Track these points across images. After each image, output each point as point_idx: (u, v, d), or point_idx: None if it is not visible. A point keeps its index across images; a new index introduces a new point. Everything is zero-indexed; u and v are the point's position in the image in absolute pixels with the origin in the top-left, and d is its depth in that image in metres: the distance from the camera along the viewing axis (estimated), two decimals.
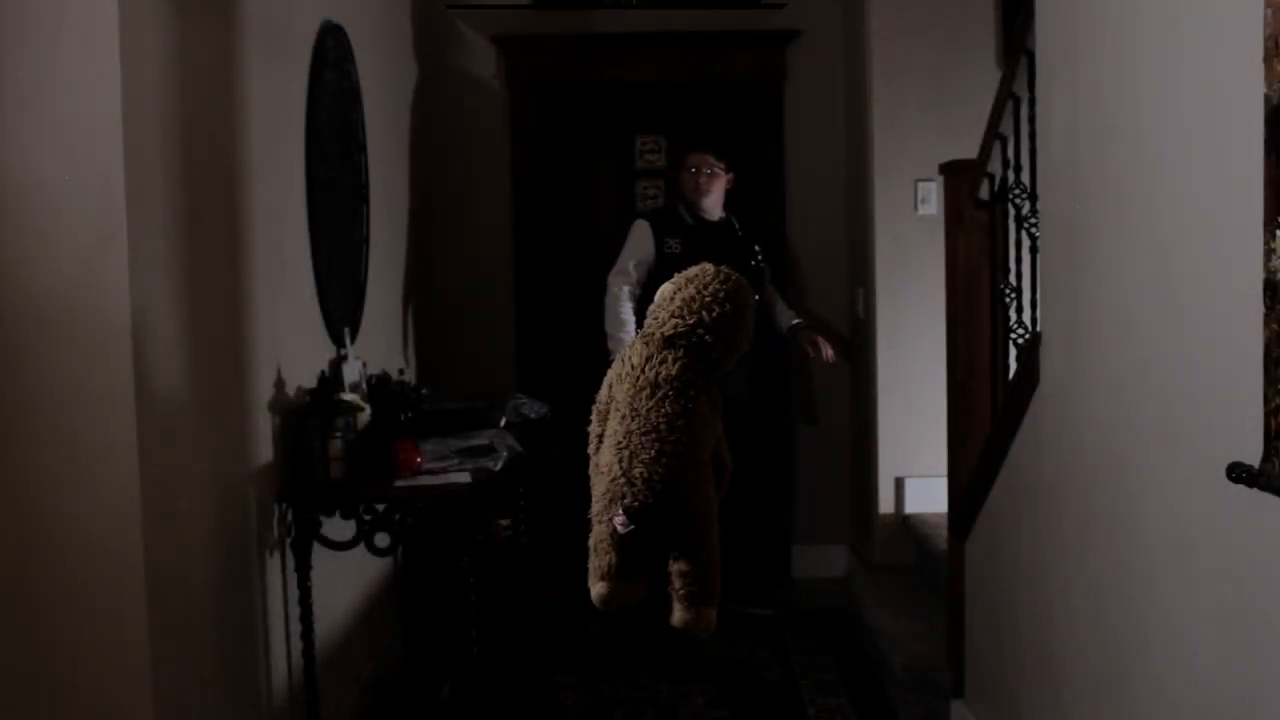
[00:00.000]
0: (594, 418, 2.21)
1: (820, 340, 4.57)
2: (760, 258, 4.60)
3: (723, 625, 4.38)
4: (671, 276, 2.22)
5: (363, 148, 3.79)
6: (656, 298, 2.20)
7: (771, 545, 4.97)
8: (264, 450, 2.88)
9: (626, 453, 2.04)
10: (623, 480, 2.03)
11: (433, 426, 3.50)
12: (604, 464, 2.08)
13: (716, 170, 4.51)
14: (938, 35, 4.48)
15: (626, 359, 2.13)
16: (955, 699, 3.38)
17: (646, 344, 2.12)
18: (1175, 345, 1.92)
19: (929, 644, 3.67)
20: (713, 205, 4.55)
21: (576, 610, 4.58)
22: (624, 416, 2.06)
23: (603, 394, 2.19)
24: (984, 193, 3.28)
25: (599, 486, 2.10)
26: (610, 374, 2.19)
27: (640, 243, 4.50)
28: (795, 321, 4.64)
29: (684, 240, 4.46)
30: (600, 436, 2.17)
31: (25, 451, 2.16)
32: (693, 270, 2.18)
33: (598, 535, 2.11)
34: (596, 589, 2.14)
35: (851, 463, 5.12)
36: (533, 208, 5.10)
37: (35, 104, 2.13)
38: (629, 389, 2.07)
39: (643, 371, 2.07)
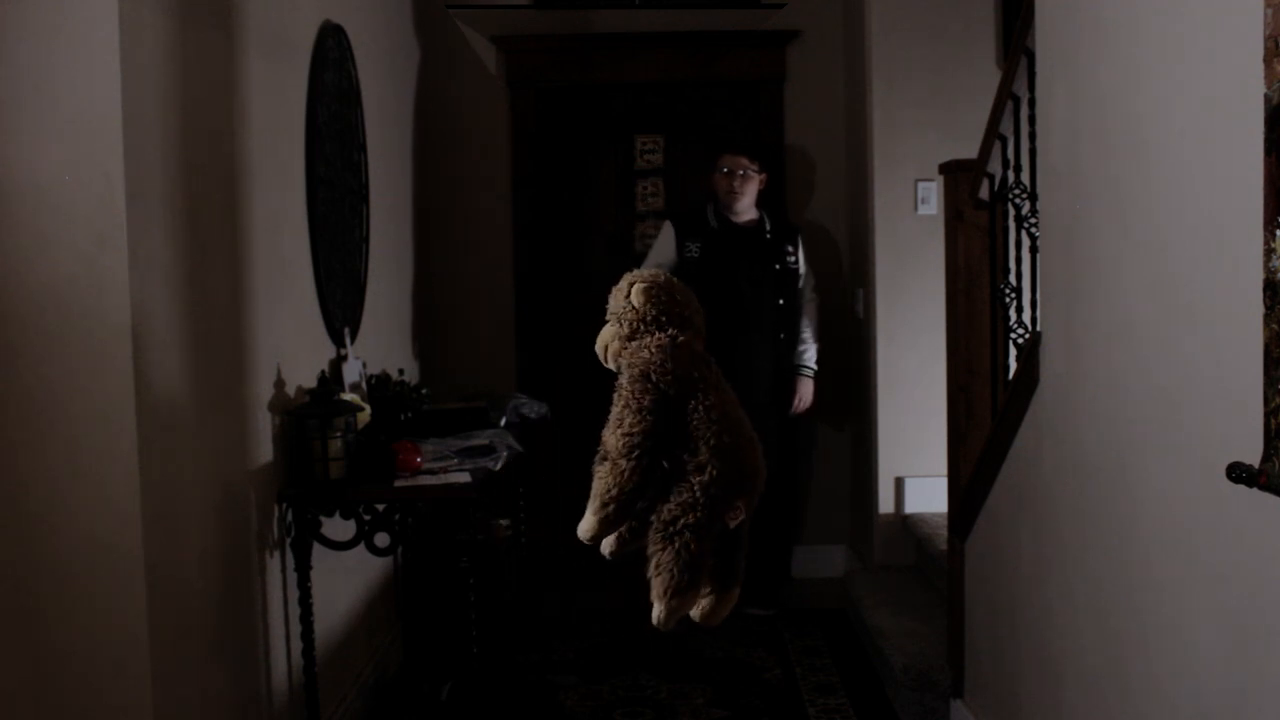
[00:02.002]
0: (652, 415, 1.84)
1: (798, 396, 4.61)
2: (792, 260, 4.61)
3: (722, 625, 4.45)
4: (690, 280, 2.13)
5: (363, 148, 3.79)
6: (654, 293, 1.92)
7: (771, 545, 4.96)
8: (264, 450, 2.88)
9: (747, 440, 1.88)
10: (750, 472, 1.86)
11: (433, 426, 3.51)
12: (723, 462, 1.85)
13: (750, 172, 4.54)
14: (938, 35, 4.48)
15: (700, 353, 1.92)
16: (955, 699, 3.38)
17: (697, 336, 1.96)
18: (1175, 345, 1.92)
19: (929, 644, 3.67)
20: (745, 207, 4.58)
21: (576, 610, 4.63)
22: (731, 404, 1.90)
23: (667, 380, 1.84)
24: (984, 193, 3.28)
25: (703, 493, 1.82)
26: (667, 369, 1.86)
27: (664, 245, 4.57)
28: (800, 364, 4.64)
29: (704, 244, 4.51)
30: (660, 436, 1.85)
31: (25, 451, 2.16)
32: (657, 274, 1.98)
33: (696, 545, 1.82)
34: (677, 605, 1.85)
35: (851, 463, 5.12)
36: (533, 207, 5.10)
37: (35, 104, 2.13)
38: (720, 382, 1.92)
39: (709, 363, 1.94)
